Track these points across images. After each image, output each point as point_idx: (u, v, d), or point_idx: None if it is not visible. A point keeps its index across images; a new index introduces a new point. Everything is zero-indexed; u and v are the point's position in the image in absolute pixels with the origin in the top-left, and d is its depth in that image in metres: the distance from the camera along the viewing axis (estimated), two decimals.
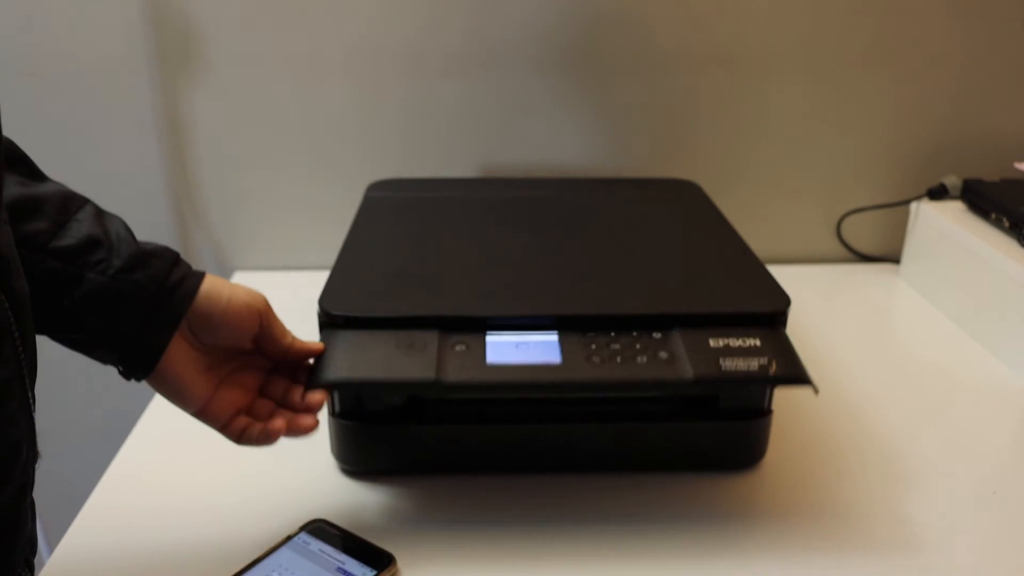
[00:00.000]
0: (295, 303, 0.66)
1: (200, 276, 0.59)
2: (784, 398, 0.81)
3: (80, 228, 0.55)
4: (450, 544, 0.64)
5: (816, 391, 0.61)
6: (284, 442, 0.74)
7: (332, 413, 0.69)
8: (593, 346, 0.63)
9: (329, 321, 0.65)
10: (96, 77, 1.03)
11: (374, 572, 0.60)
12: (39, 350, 0.50)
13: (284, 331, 0.63)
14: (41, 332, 0.55)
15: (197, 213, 1.11)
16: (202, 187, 1.10)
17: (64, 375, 1.17)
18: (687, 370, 0.60)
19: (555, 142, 1.10)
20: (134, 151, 1.07)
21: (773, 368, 0.60)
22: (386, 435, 0.69)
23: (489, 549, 0.63)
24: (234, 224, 1.12)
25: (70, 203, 0.56)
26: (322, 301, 0.66)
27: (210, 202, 1.11)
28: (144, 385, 0.82)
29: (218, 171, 1.09)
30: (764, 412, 0.70)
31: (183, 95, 1.05)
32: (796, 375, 0.61)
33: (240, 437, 0.60)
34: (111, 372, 1.24)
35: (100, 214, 0.57)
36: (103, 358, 0.58)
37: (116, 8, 1.00)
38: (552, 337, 0.64)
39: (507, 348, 0.63)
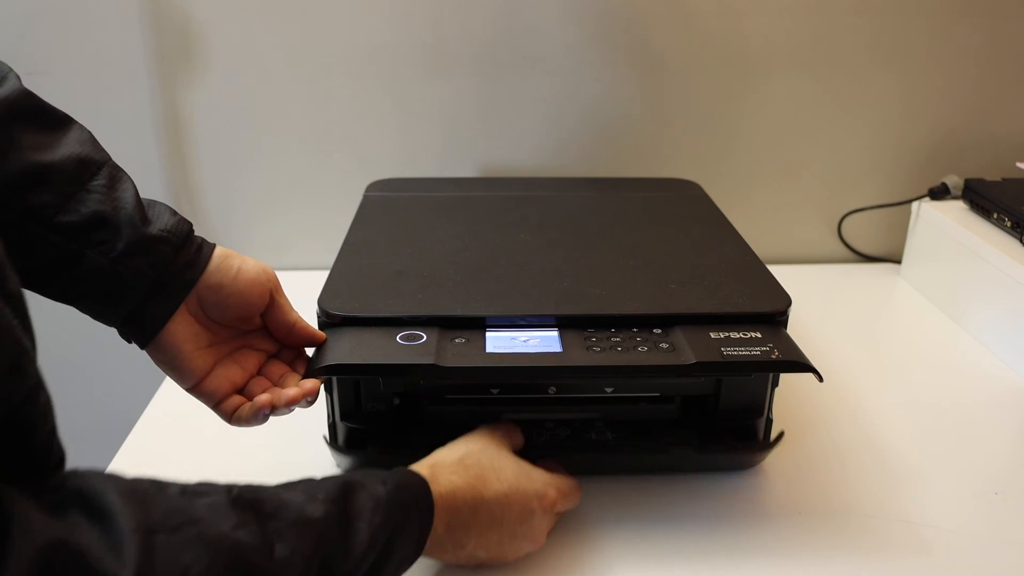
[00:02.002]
0: (294, 303, 0.66)
1: (209, 252, 0.59)
2: (784, 399, 0.81)
3: (88, 202, 0.54)
4: None
5: (820, 378, 0.61)
6: (285, 442, 0.74)
7: (331, 415, 0.69)
8: (593, 339, 0.63)
9: (328, 321, 0.65)
10: (96, 77, 1.03)
11: None
12: (38, 346, 0.49)
13: (291, 308, 0.63)
14: (47, 296, 0.55)
15: (196, 213, 1.11)
16: (201, 187, 1.10)
17: (64, 375, 1.17)
18: (688, 356, 0.61)
19: (554, 142, 1.09)
20: (134, 151, 1.06)
21: (776, 354, 0.61)
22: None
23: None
24: (233, 224, 1.12)
25: (83, 170, 0.54)
26: (321, 301, 0.66)
27: (209, 202, 1.10)
28: (143, 386, 0.82)
29: (217, 171, 1.09)
30: (764, 412, 0.70)
31: (183, 95, 1.05)
32: (799, 360, 0.61)
33: (232, 417, 0.60)
34: (111, 373, 1.23)
35: (113, 183, 0.56)
36: (104, 323, 0.58)
37: (116, 8, 1.00)
38: (552, 333, 0.64)
39: (507, 341, 0.63)
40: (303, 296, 0.71)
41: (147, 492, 0.40)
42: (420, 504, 0.53)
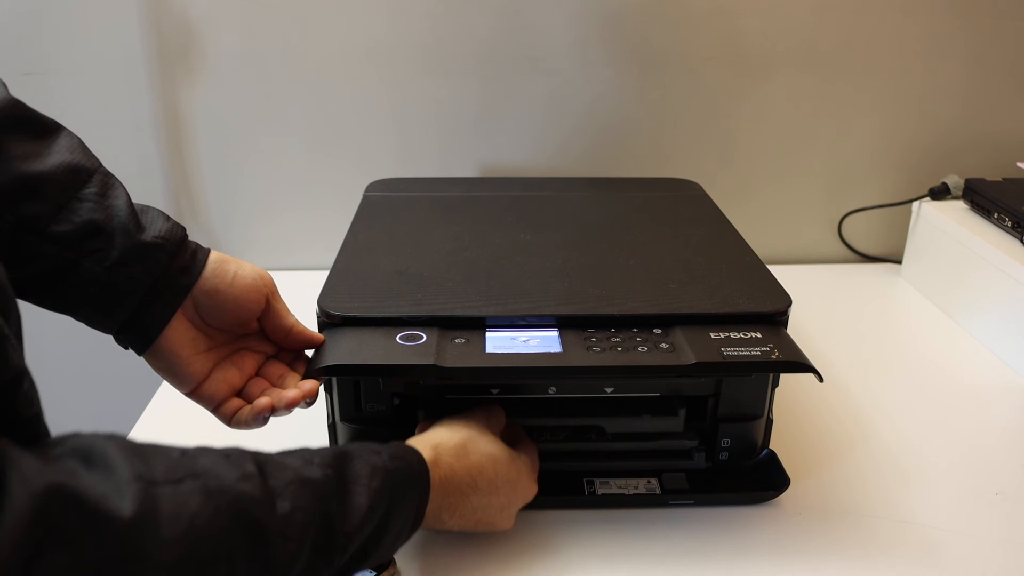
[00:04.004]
0: (294, 303, 0.66)
1: (204, 258, 0.59)
2: (785, 400, 0.81)
3: (82, 211, 0.53)
4: (449, 545, 0.64)
5: (820, 378, 0.61)
6: (284, 442, 0.74)
7: (331, 416, 0.69)
8: (594, 339, 0.63)
9: (328, 321, 0.65)
10: (96, 77, 1.03)
11: (373, 573, 0.59)
12: (38, 347, 0.49)
13: (288, 312, 0.63)
14: (42, 307, 0.55)
15: (196, 213, 1.11)
16: (202, 187, 1.10)
17: (64, 376, 1.17)
18: (688, 356, 0.60)
19: (554, 142, 1.09)
20: (134, 151, 1.06)
21: (776, 355, 0.61)
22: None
23: (488, 550, 0.63)
24: (233, 224, 1.12)
25: (75, 178, 0.54)
26: (321, 301, 0.66)
27: (209, 202, 1.10)
28: (144, 385, 0.82)
29: (217, 171, 1.09)
30: (764, 413, 0.70)
31: (183, 95, 1.05)
32: (799, 361, 0.61)
33: (231, 420, 0.60)
34: (111, 374, 1.23)
35: (105, 191, 0.55)
36: (101, 331, 0.58)
37: (116, 8, 1.00)
38: (552, 333, 0.64)
39: (507, 341, 0.63)
40: (303, 296, 0.71)
41: (147, 449, 0.40)
42: (418, 476, 0.54)
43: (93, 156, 0.56)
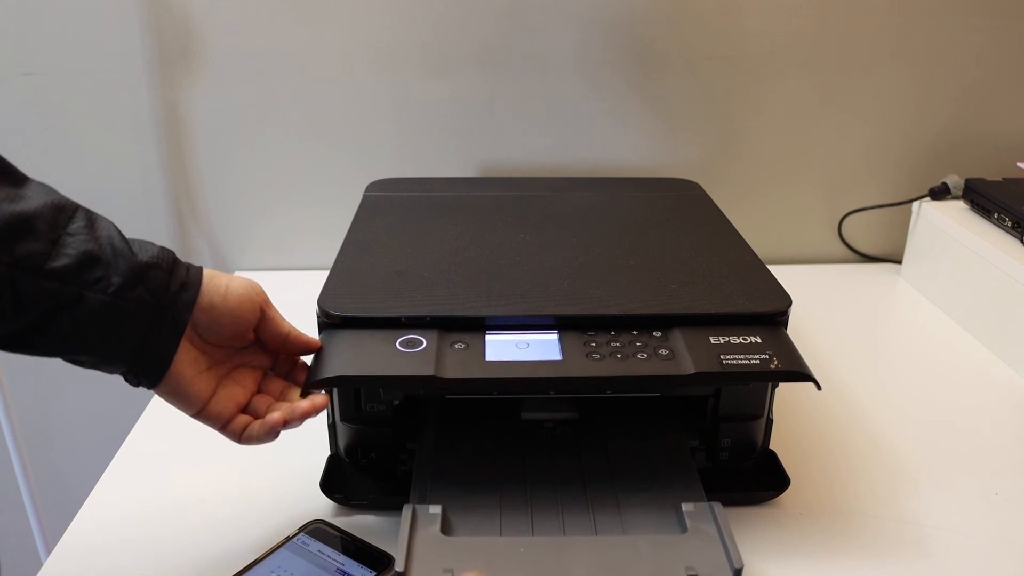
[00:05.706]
0: (294, 303, 0.66)
1: (198, 274, 0.59)
2: (785, 399, 0.81)
3: (75, 244, 0.53)
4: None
5: (818, 387, 0.61)
6: (284, 442, 0.74)
7: (331, 416, 0.69)
8: (593, 344, 0.63)
9: (328, 321, 0.65)
10: (96, 77, 1.03)
11: (374, 573, 0.60)
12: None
13: (283, 319, 0.63)
14: (48, 355, 0.54)
15: (196, 213, 1.11)
16: (201, 187, 1.10)
17: (64, 375, 1.17)
18: (687, 366, 0.60)
19: (555, 142, 1.09)
20: (133, 151, 1.06)
21: (775, 363, 0.60)
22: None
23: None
24: (233, 224, 1.12)
25: (60, 214, 0.53)
26: (321, 301, 0.66)
27: (209, 202, 1.10)
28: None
29: (217, 171, 1.09)
30: (764, 414, 0.70)
31: (183, 95, 1.05)
32: (798, 370, 0.61)
33: (241, 436, 0.60)
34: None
35: (92, 223, 0.55)
36: (110, 371, 0.57)
37: (115, 8, 1.00)
38: (552, 336, 0.64)
39: (506, 347, 0.63)
40: (303, 296, 0.71)
41: None
42: None
43: (68, 197, 0.56)
